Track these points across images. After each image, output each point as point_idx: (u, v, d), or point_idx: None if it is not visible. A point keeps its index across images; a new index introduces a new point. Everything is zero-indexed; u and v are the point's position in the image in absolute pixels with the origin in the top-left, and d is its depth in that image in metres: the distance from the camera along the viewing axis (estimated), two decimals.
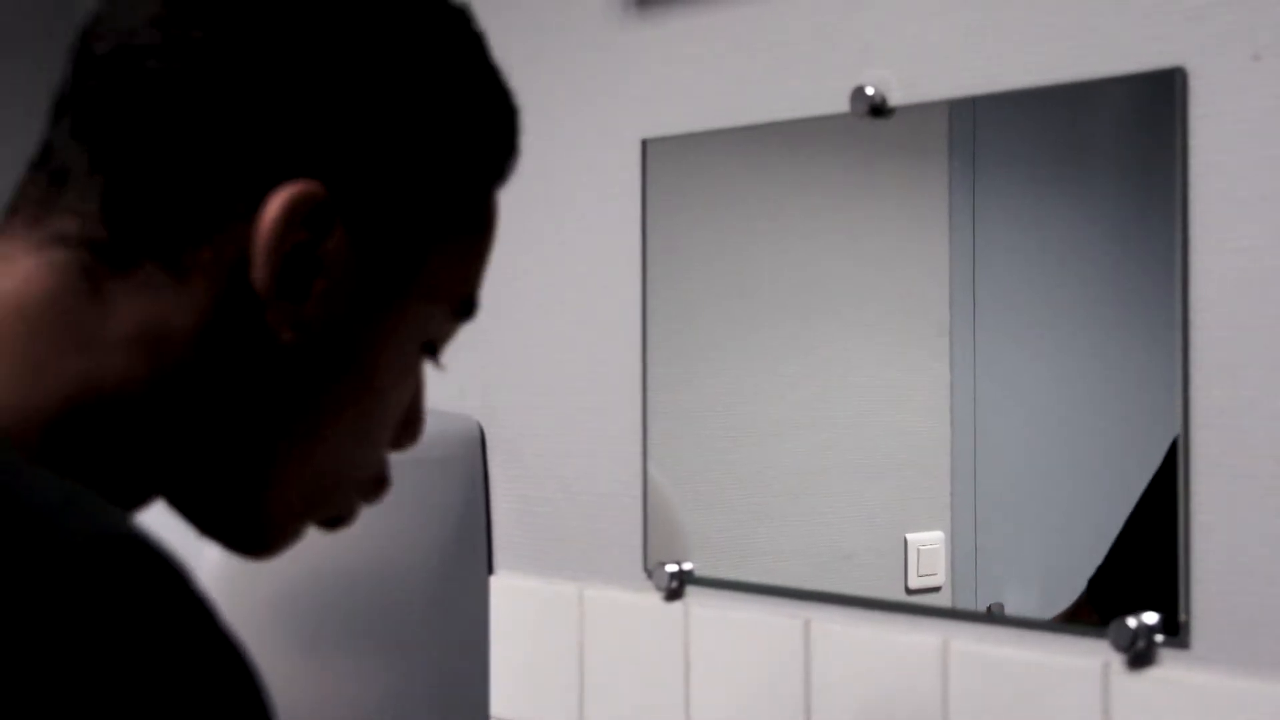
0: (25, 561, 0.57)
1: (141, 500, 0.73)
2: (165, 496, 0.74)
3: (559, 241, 1.70)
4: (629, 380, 1.60)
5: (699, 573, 1.54)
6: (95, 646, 0.56)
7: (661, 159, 1.58)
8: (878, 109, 1.38)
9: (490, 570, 1.75)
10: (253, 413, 0.72)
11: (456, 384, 1.80)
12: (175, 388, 0.69)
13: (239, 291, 0.69)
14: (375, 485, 0.81)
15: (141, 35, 0.70)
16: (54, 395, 0.68)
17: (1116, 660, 1.23)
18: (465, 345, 1.85)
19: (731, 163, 1.54)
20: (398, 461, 1.74)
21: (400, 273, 0.73)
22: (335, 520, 0.80)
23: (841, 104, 1.40)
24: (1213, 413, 1.19)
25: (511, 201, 1.84)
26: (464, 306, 0.78)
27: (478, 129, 0.76)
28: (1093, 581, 1.31)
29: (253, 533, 0.77)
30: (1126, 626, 1.21)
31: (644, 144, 1.59)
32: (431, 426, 1.81)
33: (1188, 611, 1.20)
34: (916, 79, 1.37)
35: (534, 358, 1.72)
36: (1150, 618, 1.21)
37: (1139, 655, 1.22)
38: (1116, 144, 1.31)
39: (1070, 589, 1.31)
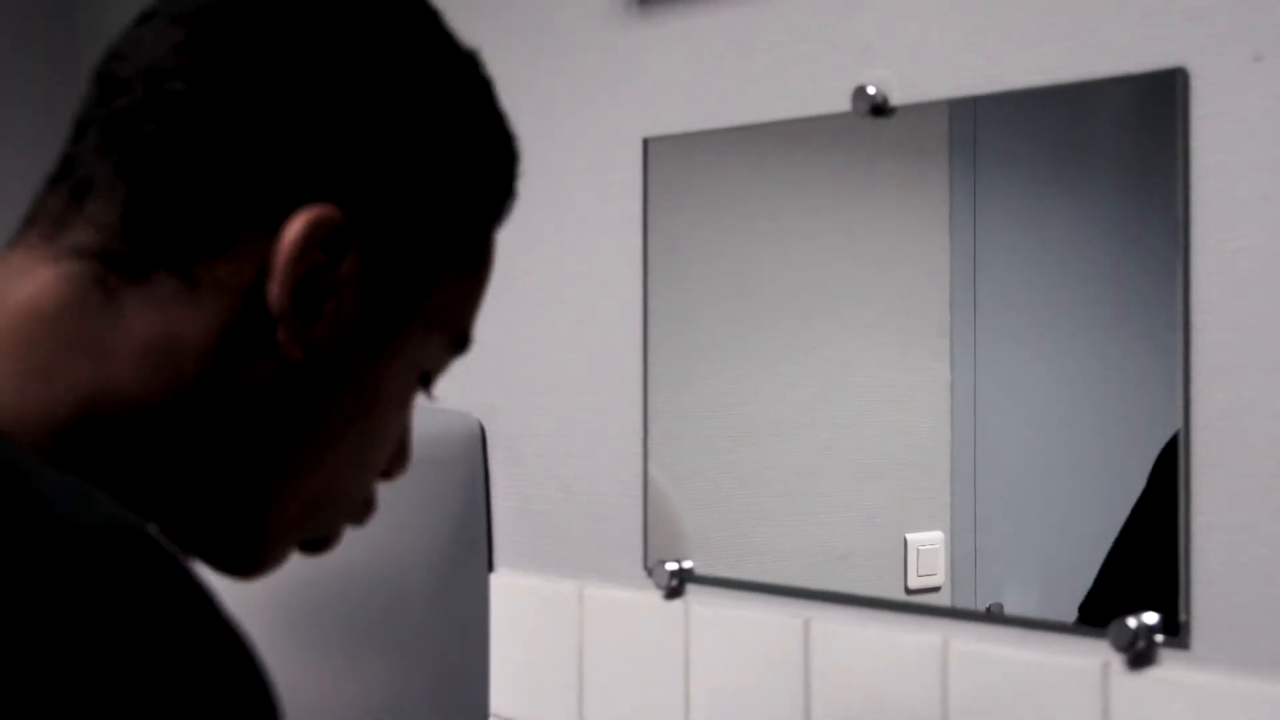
0: (32, 549, 0.58)
1: (145, 514, 0.73)
2: (161, 516, 0.74)
3: (560, 240, 1.70)
4: (630, 379, 1.60)
5: (699, 571, 1.54)
6: (99, 635, 0.57)
7: (663, 158, 1.58)
8: (879, 108, 1.38)
9: (490, 568, 1.75)
10: (260, 430, 0.73)
11: (457, 382, 1.80)
12: (184, 400, 0.71)
13: (252, 308, 0.71)
14: (363, 509, 0.83)
15: (165, 60, 0.72)
16: (65, 402, 0.69)
17: (1116, 660, 1.23)
18: None
19: (733, 162, 1.54)
20: None
21: (406, 302, 0.75)
22: (319, 543, 0.82)
23: (843, 103, 1.40)
24: (1213, 413, 1.19)
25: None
26: (459, 340, 0.81)
27: (483, 170, 0.79)
28: (1083, 608, 1.31)
29: (247, 552, 0.78)
30: (1126, 626, 1.21)
31: (645, 143, 1.59)
32: (432, 424, 1.81)
33: (1188, 612, 1.20)
34: (917, 79, 1.37)
35: (535, 356, 1.72)
36: (1150, 618, 1.22)
37: (1139, 655, 1.22)
38: (1117, 144, 1.31)
39: (1070, 589, 1.31)
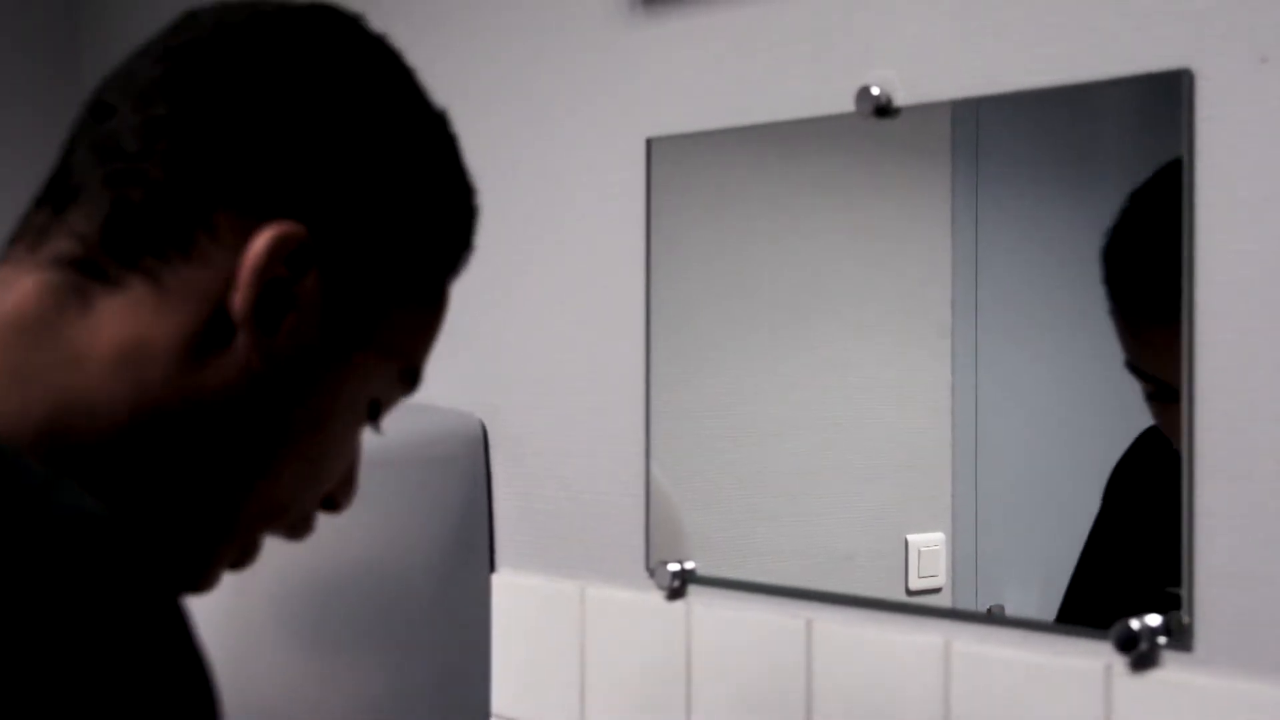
0: (9, 532, 0.61)
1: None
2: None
3: (563, 240, 1.69)
4: (632, 379, 1.60)
5: (701, 572, 1.54)
6: (46, 619, 0.59)
7: (666, 158, 1.58)
8: (883, 109, 1.38)
9: (492, 568, 1.75)
10: (222, 434, 0.77)
11: (459, 382, 1.80)
12: (151, 402, 0.75)
13: (218, 316, 0.76)
14: (302, 525, 0.87)
15: (151, 87, 0.78)
16: (41, 404, 0.73)
17: (1119, 662, 1.23)
18: (468, 343, 1.86)
19: (736, 162, 1.54)
20: (400, 458, 1.74)
21: (361, 326, 0.80)
22: (244, 561, 0.85)
23: (846, 104, 1.40)
24: (1216, 415, 1.19)
25: (515, 200, 1.85)
26: (409, 374, 0.86)
27: (442, 219, 0.85)
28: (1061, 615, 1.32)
29: (198, 565, 0.82)
30: (1129, 628, 1.21)
31: (649, 143, 1.59)
32: (434, 424, 1.82)
33: (1190, 614, 1.20)
34: (921, 79, 1.37)
35: (537, 356, 1.72)
36: (1153, 620, 1.21)
37: (1141, 657, 1.22)
38: (1121, 146, 1.31)
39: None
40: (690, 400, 1.58)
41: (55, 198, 0.78)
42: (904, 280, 1.45)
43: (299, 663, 1.58)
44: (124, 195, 0.76)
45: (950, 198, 1.38)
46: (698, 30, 1.55)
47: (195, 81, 0.77)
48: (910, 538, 1.43)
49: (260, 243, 0.75)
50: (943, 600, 1.40)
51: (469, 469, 1.74)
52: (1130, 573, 1.28)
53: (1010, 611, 1.34)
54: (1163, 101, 1.22)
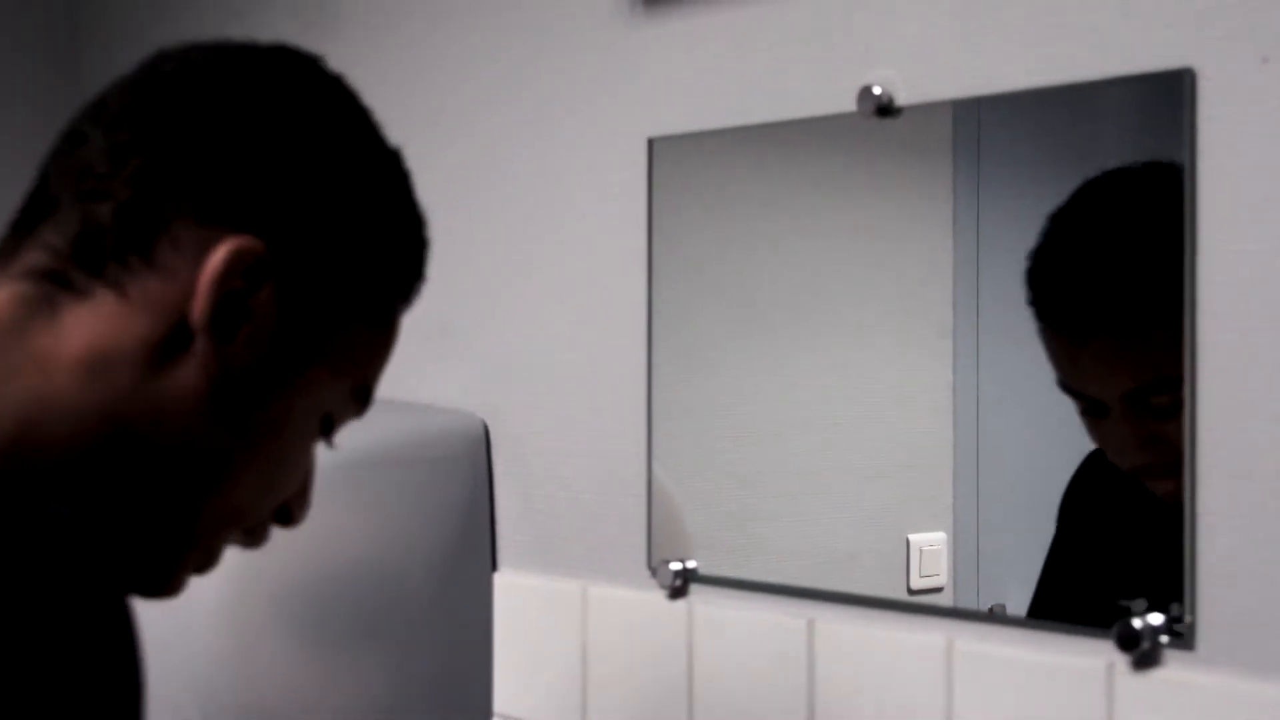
0: None
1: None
2: (95, 529, 0.82)
3: (564, 239, 1.70)
4: (633, 378, 1.60)
5: (702, 571, 1.54)
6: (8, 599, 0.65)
7: (667, 158, 1.58)
8: (884, 108, 1.38)
9: (494, 567, 1.75)
10: (185, 438, 0.82)
11: (461, 381, 1.80)
12: (116, 406, 0.80)
13: (179, 325, 0.81)
14: (259, 532, 0.91)
15: (120, 116, 0.84)
16: (11, 408, 0.77)
17: (1121, 661, 1.23)
18: (470, 343, 1.86)
19: (737, 162, 1.54)
20: (402, 458, 1.74)
21: (314, 340, 0.85)
22: (206, 566, 0.90)
23: (848, 104, 1.40)
24: (1218, 414, 1.19)
25: (517, 199, 1.85)
26: (361, 392, 0.91)
27: (392, 247, 0.90)
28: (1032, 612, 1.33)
29: (163, 568, 0.87)
30: (1131, 627, 1.21)
31: (650, 143, 1.59)
32: (435, 424, 1.82)
33: (1193, 613, 1.20)
34: (922, 79, 1.37)
35: (538, 355, 1.72)
36: (1155, 619, 1.21)
37: (1143, 656, 1.22)
38: (1123, 146, 1.31)
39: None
40: (692, 399, 1.58)
41: (30, 217, 0.83)
42: (905, 280, 1.45)
43: (301, 661, 1.58)
44: (93, 211, 0.81)
45: (952, 197, 1.38)
46: (699, 30, 1.55)
47: (161, 109, 0.83)
48: (912, 537, 1.43)
49: (219, 255, 0.80)
50: (944, 600, 1.40)
51: (470, 469, 1.74)
52: (1087, 590, 1.30)
53: (1012, 611, 1.34)
54: (1164, 101, 1.22)
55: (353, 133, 0.88)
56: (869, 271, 1.49)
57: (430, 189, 1.90)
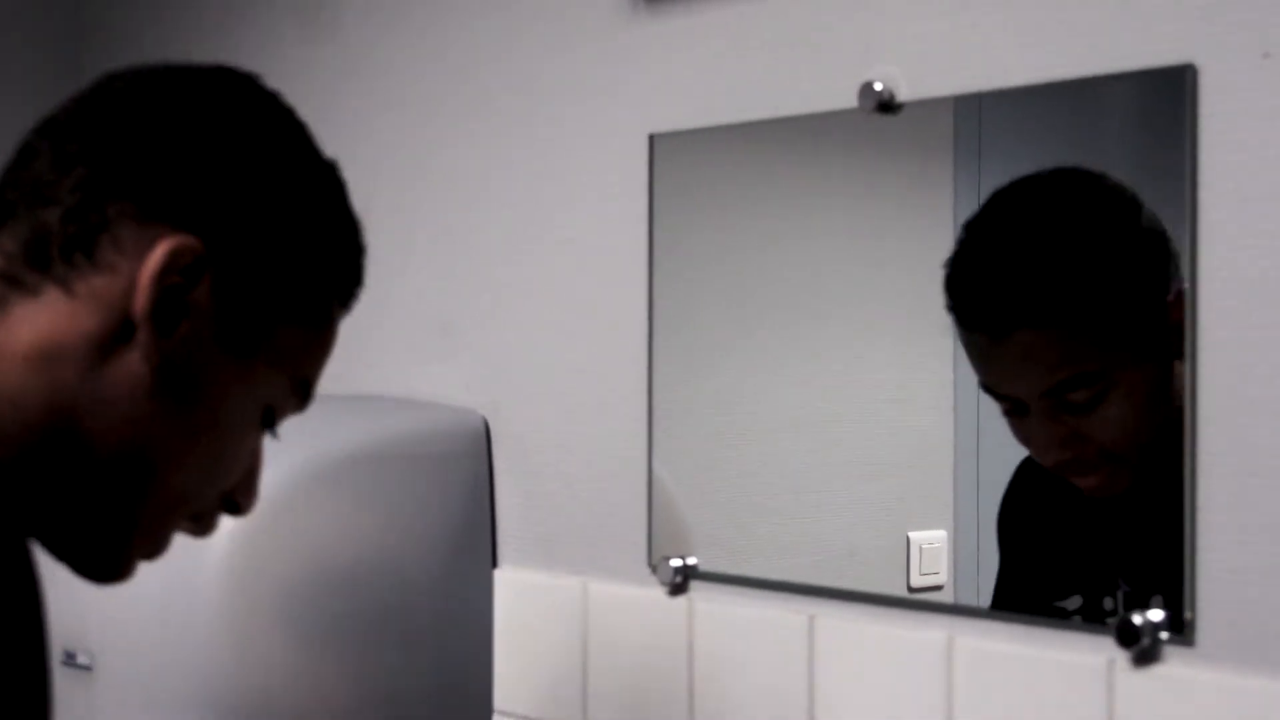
0: None
1: (32, 520, 0.87)
2: (42, 520, 0.88)
3: (565, 236, 1.70)
4: (634, 375, 1.60)
5: (703, 568, 1.54)
6: None
7: (669, 154, 1.58)
8: (886, 105, 1.38)
9: (494, 564, 1.75)
10: (127, 427, 0.87)
11: (462, 379, 1.80)
12: (64, 399, 0.85)
13: (122, 320, 0.86)
14: (206, 521, 0.96)
15: (66, 129, 0.90)
16: None
17: (1121, 657, 1.23)
18: (470, 340, 1.86)
19: (739, 158, 1.54)
20: (403, 455, 1.74)
21: (251, 336, 0.91)
22: (154, 552, 0.95)
23: (849, 100, 1.40)
24: (1220, 411, 1.19)
25: (518, 196, 1.85)
26: (301, 386, 0.96)
27: (325, 250, 0.95)
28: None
29: (112, 553, 0.92)
30: (1132, 624, 1.21)
31: (651, 139, 1.59)
32: (436, 421, 1.82)
33: (1193, 609, 1.20)
34: (924, 75, 1.37)
35: (539, 352, 1.72)
36: (1156, 615, 1.21)
37: (1144, 652, 1.22)
38: (1124, 141, 1.31)
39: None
40: (692, 396, 1.58)
41: None
42: (907, 277, 1.45)
43: (302, 657, 1.58)
44: (41, 216, 0.87)
45: (953, 193, 1.38)
46: (700, 26, 1.55)
47: (106, 121, 0.89)
48: (912, 535, 1.43)
49: (159, 252, 0.86)
50: (944, 598, 1.40)
51: (471, 466, 1.74)
52: (1034, 595, 1.33)
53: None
54: (1166, 97, 1.22)
55: (287, 143, 0.94)
56: (870, 268, 1.49)
57: (431, 186, 1.92)
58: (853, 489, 1.49)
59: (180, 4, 2.24)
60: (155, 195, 0.87)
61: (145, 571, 1.54)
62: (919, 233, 1.44)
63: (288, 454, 1.62)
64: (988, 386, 1.31)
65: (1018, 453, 1.39)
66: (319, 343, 0.97)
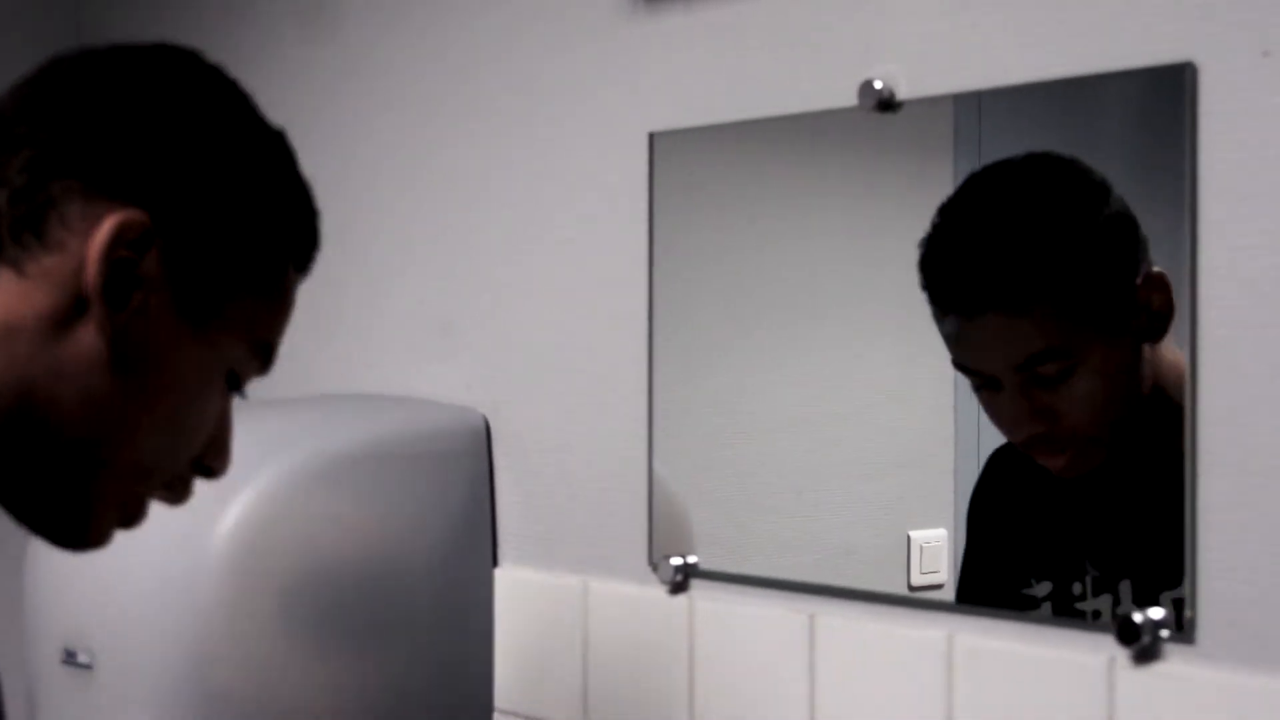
0: None
1: None
2: (5, 489, 0.91)
3: (565, 235, 1.70)
4: (634, 374, 1.60)
5: (703, 566, 1.54)
6: None
7: (669, 153, 1.58)
8: (886, 103, 1.38)
9: (494, 563, 1.75)
10: (84, 401, 0.90)
11: (462, 378, 1.80)
12: (21, 377, 0.88)
13: (74, 296, 0.88)
14: (179, 488, 0.98)
15: (14, 113, 0.91)
16: None
17: (1122, 656, 1.23)
18: (471, 339, 1.86)
19: (738, 157, 1.54)
20: (403, 453, 1.74)
21: (204, 304, 0.93)
22: (132, 517, 0.97)
23: (849, 98, 1.40)
24: (1220, 409, 1.19)
25: (518, 194, 1.85)
26: (261, 349, 0.98)
27: (274, 216, 0.97)
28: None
29: (79, 519, 0.94)
30: (1132, 622, 1.21)
31: (651, 138, 1.59)
32: (437, 420, 1.82)
33: (1194, 608, 1.20)
34: (924, 73, 1.37)
35: (540, 351, 1.72)
36: (1156, 613, 1.21)
37: (1144, 651, 1.22)
38: (1124, 140, 1.31)
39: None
40: (693, 395, 1.58)
41: None
42: (907, 275, 1.44)
43: (302, 656, 1.58)
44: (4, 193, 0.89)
45: (953, 191, 1.38)
46: (700, 25, 1.55)
47: (49, 101, 0.91)
48: (912, 534, 1.43)
49: (106, 227, 0.88)
50: (945, 596, 1.40)
51: (472, 464, 1.74)
52: (1000, 581, 1.35)
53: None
54: (1165, 95, 1.22)
55: (230, 113, 0.96)
56: (870, 267, 1.49)
57: (431, 184, 1.92)
58: (853, 487, 1.49)
59: (180, 4, 2.24)
60: (100, 172, 0.89)
61: (146, 570, 1.55)
62: (919, 231, 1.44)
63: (288, 453, 1.62)
64: (961, 364, 1.34)
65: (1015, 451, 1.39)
66: (276, 307, 0.99)
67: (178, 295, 0.91)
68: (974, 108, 1.35)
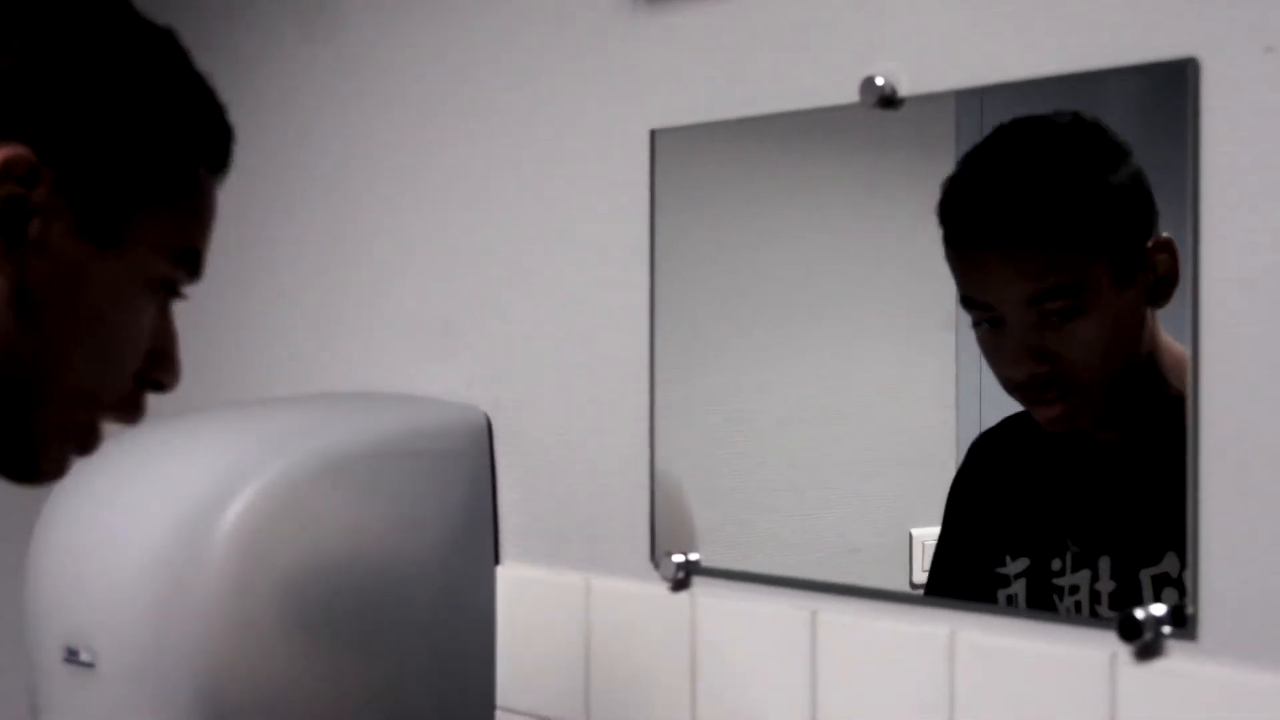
0: None
1: None
2: None
3: (567, 232, 1.70)
4: (636, 371, 1.60)
5: (705, 563, 1.55)
6: None
7: (670, 149, 1.58)
8: (887, 100, 1.38)
9: (496, 561, 1.75)
10: (10, 337, 0.89)
11: (463, 376, 1.80)
12: None
13: None
14: (126, 406, 0.97)
15: None
16: None
17: (1124, 652, 1.23)
18: (472, 337, 1.86)
19: (739, 153, 1.55)
20: (405, 451, 1.74)
21: (109, 222, 0.91)
22: (85, 443, 0.96)
23: (850, 95, 1.40)
24: (1221, 405, 1.19)
25: (519, 191, 1.85)
26: (187, 257, 0.96)
27: (172, 119, 0.95)
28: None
29: (25, 451, 0.94)
30: (1134, 618, 1.21)
31: (653, 134, 1.59)
32: (438, 418, 1.82)
33: (1195, 604, 1.20)
34: (925, 69, 1.37)
35: (541, 349, 1.72)
36: (1158, 609, 1.22)
37: (1146, 647, 1.22)
38: (1126, 136, 1.31)
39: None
40: (694, 392, 1.58)
41: None
42: (908, 272, 1.45)
43: (303, 654, 1.59)
44: None
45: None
46: (701, 21, 1.55)
47: None
48: (914, 531, 1.43)
49: None
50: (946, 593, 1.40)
51: (473, 462, 1.74)
52: (978, 562, 1.36)
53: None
54: (1168, 91, 1.22)
55: (105, 23, 0.93)
56: (872, 264, 1.49)
57: (431, 184, 1.92)
58: (854, 485, 1.49)
59: (180, 4, 2.24)
60: None
61: (148, 569, 1.55)
62: (921, 227, 1.44)
63: (290, 451, 1.62)
64: (969, 298, 1.35)
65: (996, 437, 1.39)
66: (192, 212, 0.97)
67: (80, 219, 0.91)
68: (975, 104, 1.35)
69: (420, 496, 1.69)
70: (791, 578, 1.47)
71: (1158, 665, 1.22)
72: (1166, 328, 1.25)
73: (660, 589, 1.57)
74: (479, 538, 1.73)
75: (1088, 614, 1.28)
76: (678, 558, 1.55)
